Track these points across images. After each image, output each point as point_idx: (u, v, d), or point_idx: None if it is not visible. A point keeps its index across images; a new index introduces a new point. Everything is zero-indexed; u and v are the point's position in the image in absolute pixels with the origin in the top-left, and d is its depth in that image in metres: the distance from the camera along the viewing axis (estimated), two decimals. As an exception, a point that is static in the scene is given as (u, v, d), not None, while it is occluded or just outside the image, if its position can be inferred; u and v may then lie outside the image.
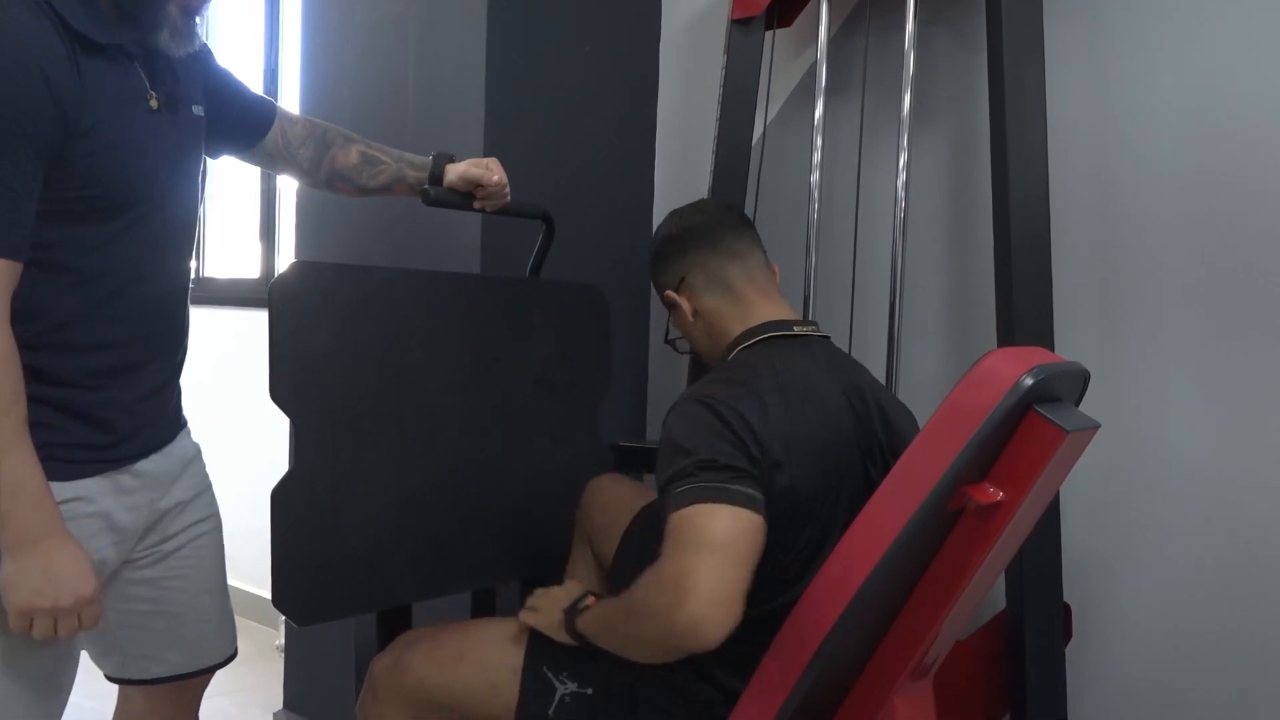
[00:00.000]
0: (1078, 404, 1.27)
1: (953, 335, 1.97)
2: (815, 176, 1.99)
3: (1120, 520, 1.81)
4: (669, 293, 1.49)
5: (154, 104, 1.27)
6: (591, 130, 2.26)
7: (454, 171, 1.63)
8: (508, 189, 1.66)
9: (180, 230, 1.36)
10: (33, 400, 1.17)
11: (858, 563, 1.12)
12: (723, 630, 1.09)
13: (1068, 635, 1.78)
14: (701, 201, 1.59)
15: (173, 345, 1.37)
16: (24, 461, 1.14)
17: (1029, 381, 1.07)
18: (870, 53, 2.05)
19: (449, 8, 2.08)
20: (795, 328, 1.39)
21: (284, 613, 1.46)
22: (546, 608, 1.39)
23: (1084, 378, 1.26)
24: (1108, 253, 1.81)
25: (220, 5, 3.70)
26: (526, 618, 1.40)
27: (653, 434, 2.41)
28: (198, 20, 1.29)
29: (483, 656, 1.41)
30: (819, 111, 1.98)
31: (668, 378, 2.39)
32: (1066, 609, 1.77)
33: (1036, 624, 1.69)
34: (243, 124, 1.51)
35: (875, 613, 1.18)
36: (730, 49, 2.02)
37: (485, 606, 1.91)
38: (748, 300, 1.43)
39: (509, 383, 1.75)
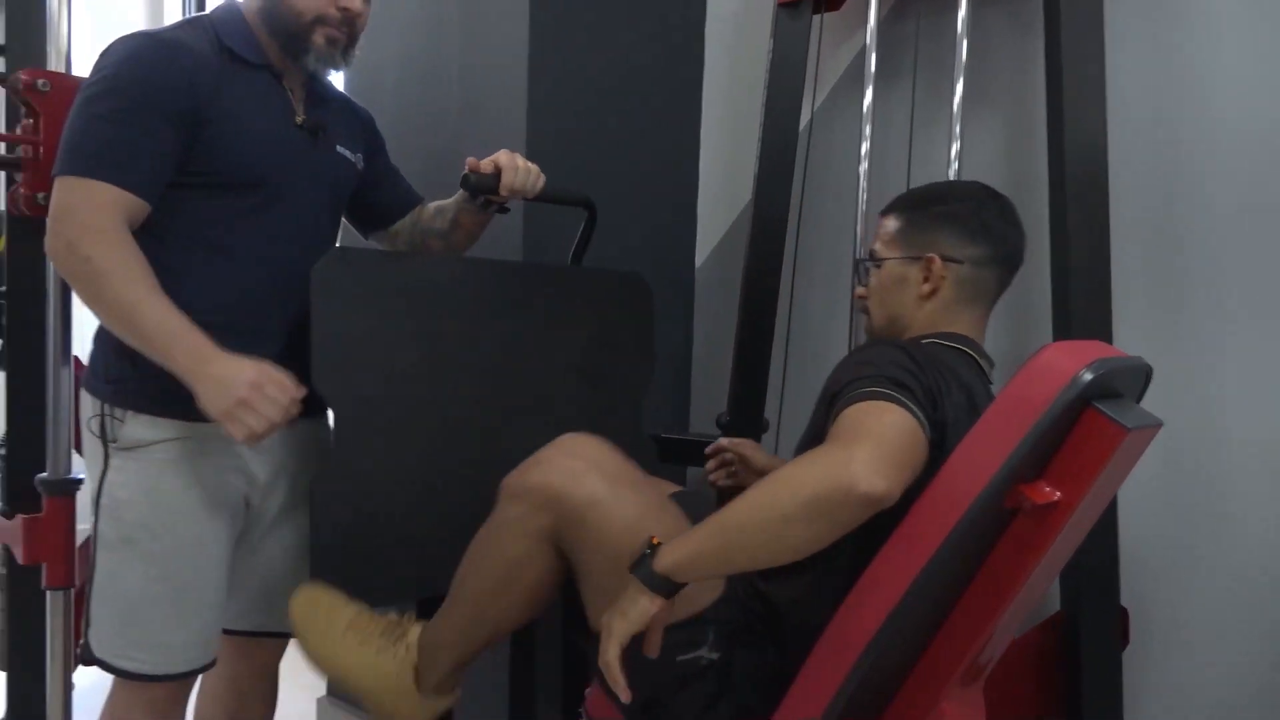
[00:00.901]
0: (1138, 401, 1.22)
1: (1006, 330, 1.92)
2: (864, 165, 1.94)
3: (1182, 521, 1.74)
4: (932, 256, 1.36)
5: (299, 120, 1.52)
6: (635, 118, 2.22)
7: (487, 161, 1.63)
8: (537, 176, 1.63)
9: (304, 233, 1.52)
10: None
11: (906, 561, 1.09)
12: (885, 485, 1.03)
13: (1125, 640, 1.73)
14: (1016, 213, 1.42)
15: (288, 328, 1.49)
16: (161, 308, 1.32)
17: (1088, 376, 1.03)
18: (921, 36, 1.99)
19: (492, -6, 2.06)
20: (984, 358, 1.36)
21: (322, 601, 1.46)
22: (617, 613, 1.18)
23: (1145, 373, 1.21)
24: (1170, 241, 1.75)
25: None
26: (612, 643, 1.17)
27: (696, 425, 2.38)
28: (342, 51, 1.51)
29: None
30: (868, 98, 1.94)
31: (711, 369, 2.36)
32: (1124, 613, 1.71)
33: (1092, 628, 1.64)
34: (396, 198, 1.76)
35: (923, 613, 1.15)
36: (776, 34, 1.98)
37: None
38: (971, 323, 1.38)
39: (550, 372, 1.73)
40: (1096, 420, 1.05)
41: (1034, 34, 1.85)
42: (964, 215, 1.37)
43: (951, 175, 1.83)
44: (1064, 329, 1.65)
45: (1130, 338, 1.74)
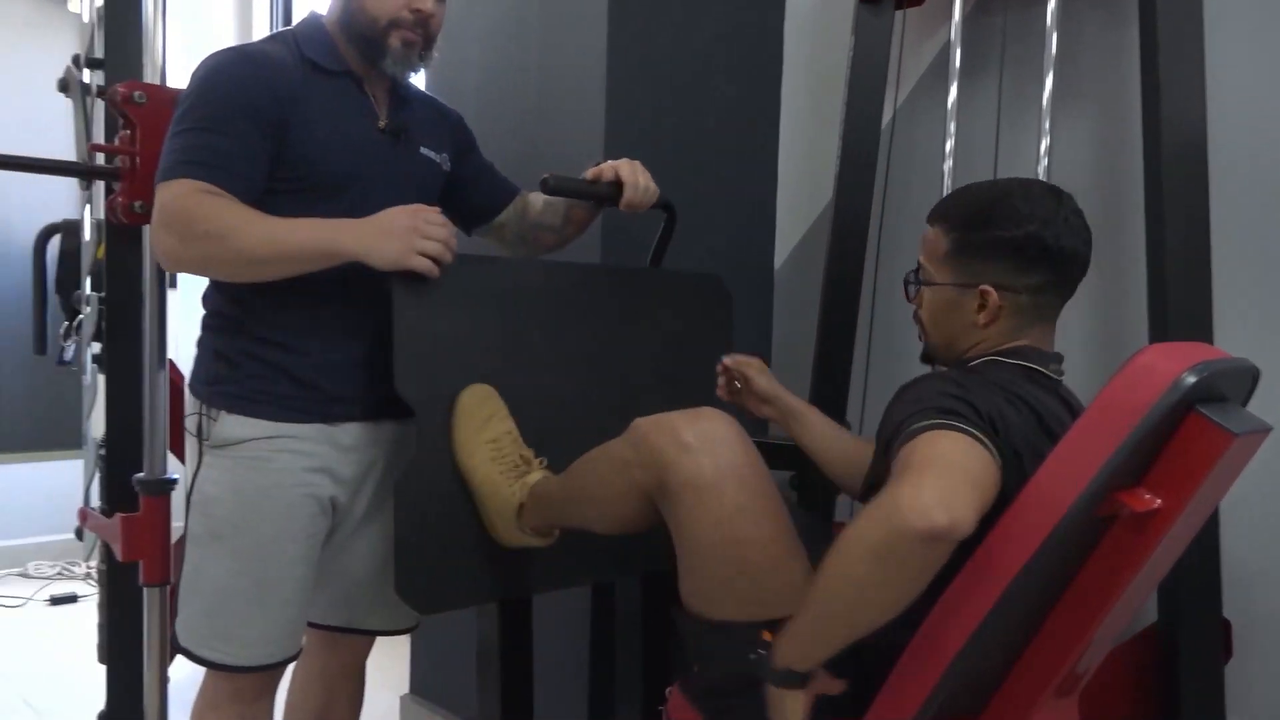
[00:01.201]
0: (1244, 404, 1.17)
1: (1098, 332, 1.86)
2: (949, 164, 1.90)
3: (1286, 530, 1.67)
4: (987, 289, 1.27)
5: (381, 124, 1.56)
6: (714, 116, 2.21)
7: (609, 167, 1.64)
8: (655, 194, 1.66)
9: None
10: (248, 357, 1.48)
11: (998, 570, 1.06)
12: (947, 516, 0.97)
13: (1228, 654, 1.66)
14: (1082, 219, 1.29)
15: (374, 329, 1.51)
16: (294, 223, 1.40)
17: (1191, 379, 0.99)
18: (1009, 30, 1.95)
19: (571, -3, 2.06)
20: (1050, 366, 1.29)
21: (406, 601, 1.47)
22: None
23: (1252, 376, 1.16)
24: (1275, 237, 1.67)
25: None
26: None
27: (776, 430, 2.35)
28: (420, 56, 1.55)
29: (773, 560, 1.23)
30: (953, 94, 1.90)
31: (791, 371, 2.33)
32: (1226, 625, 1.64)
33: (1193, 640, 1.58)
34: (492, 193, 1.79)
35: (1015, 624, 1.11)
36: (858, 30, 1.95)
37: (606, 601, 1.89)
38: (1037, 337, 1.31)
39: (629, 374, 1.72)
40: (1200, 425, 1.00)
41: (1128, 23, 1.79)
42: (1022, 242, 1.25)
43: (1041, 172, 1.77)
44: (1161, 330, 1.59)
45: (1232, 338, 1.67)
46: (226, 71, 1.45)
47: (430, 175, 1.65)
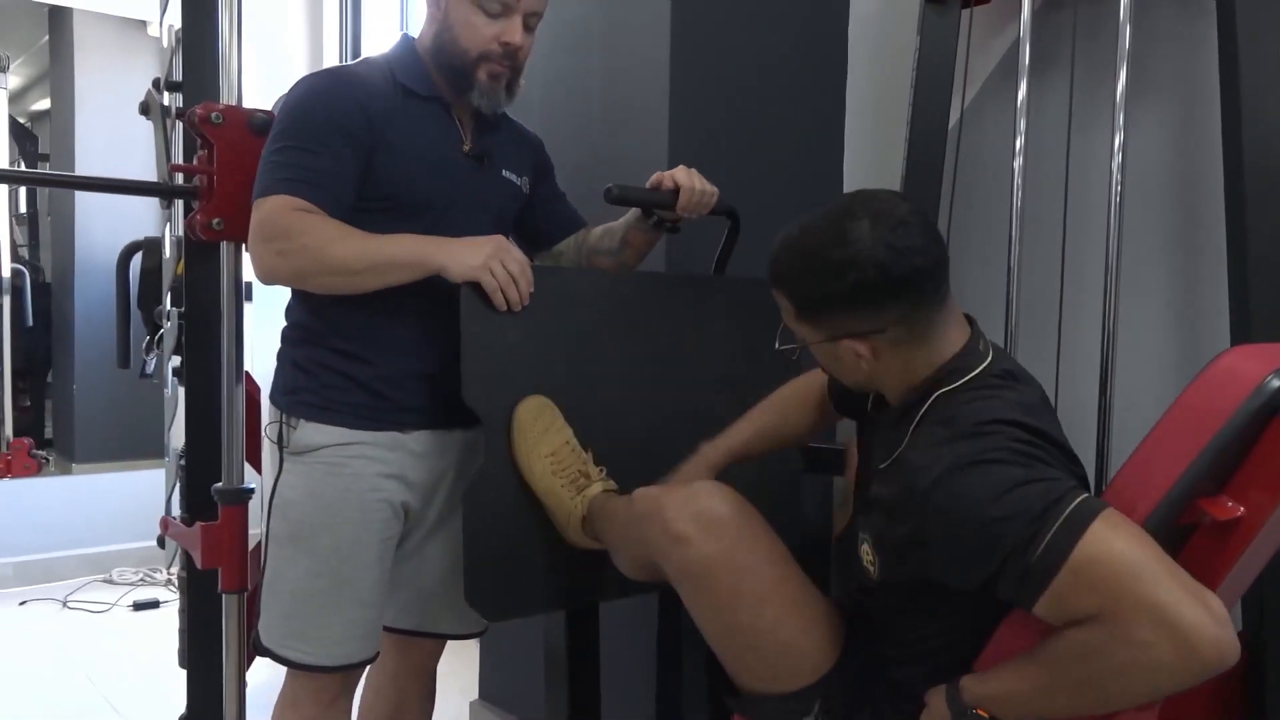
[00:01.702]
0: (1334, 408, 1.12)
1: (1177, 334, 1.81)
2: (1019, 162, 1.86)
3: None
4: (847, 343, 1.20)
5: (466, 148, 1.61)
6: (777, 121, 2.20)
7: (667, 175, 1.66)
8: (712, 194, 1.67)
9: None
10: (324, 368, 1.54)
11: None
12: (1212, 620, 0.90)
13: (1317, 665, 1.60)
14: (914, 225, 1.18)
15: (444, 349, 1.53)
16: (388, 239, 1.46)
17: (1277, 383, 0.96)
18: (1080, 25, 1.90)
19: (633, 6, 2.07)
20: (980, 362, 1.20)
21: (475, 608, 1.49)
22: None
23: (1343, 378, 1.11)
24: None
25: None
26: None
27: (843, 433, 2.33)
28: (506, 88, 1.59)
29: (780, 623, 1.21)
30: (1022, 92, 1.86)
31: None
32: (1315, 636, 1.58)
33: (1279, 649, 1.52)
34: (557, 220, 1.82)
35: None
36: (924, 29, 1.92)
37: (673, 609, 1.89)
38: (940, 337, 1.22)
39: (694, 381, 1.72)
40: (1287, 431, 0.97)
41: (1205, 16, 1.74)
42: (852, 290, 1.16)
43: (1114, 169, 1.73)
44: (1244, 332, 1.54)
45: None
46: (322, 93, 1.50)
47: (510, 197, 1.70)
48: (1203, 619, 0.89)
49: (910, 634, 1.22)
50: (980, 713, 1.06)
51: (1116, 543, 0.94)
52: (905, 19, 2.11)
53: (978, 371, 1.19)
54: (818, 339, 1.24)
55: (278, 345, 1.63)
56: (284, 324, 1.63)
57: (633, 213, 1.74)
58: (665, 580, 1.31)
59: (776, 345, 1.32)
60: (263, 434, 1.76)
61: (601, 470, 1.53)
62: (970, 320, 1.27)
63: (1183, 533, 1.04)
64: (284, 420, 1.55)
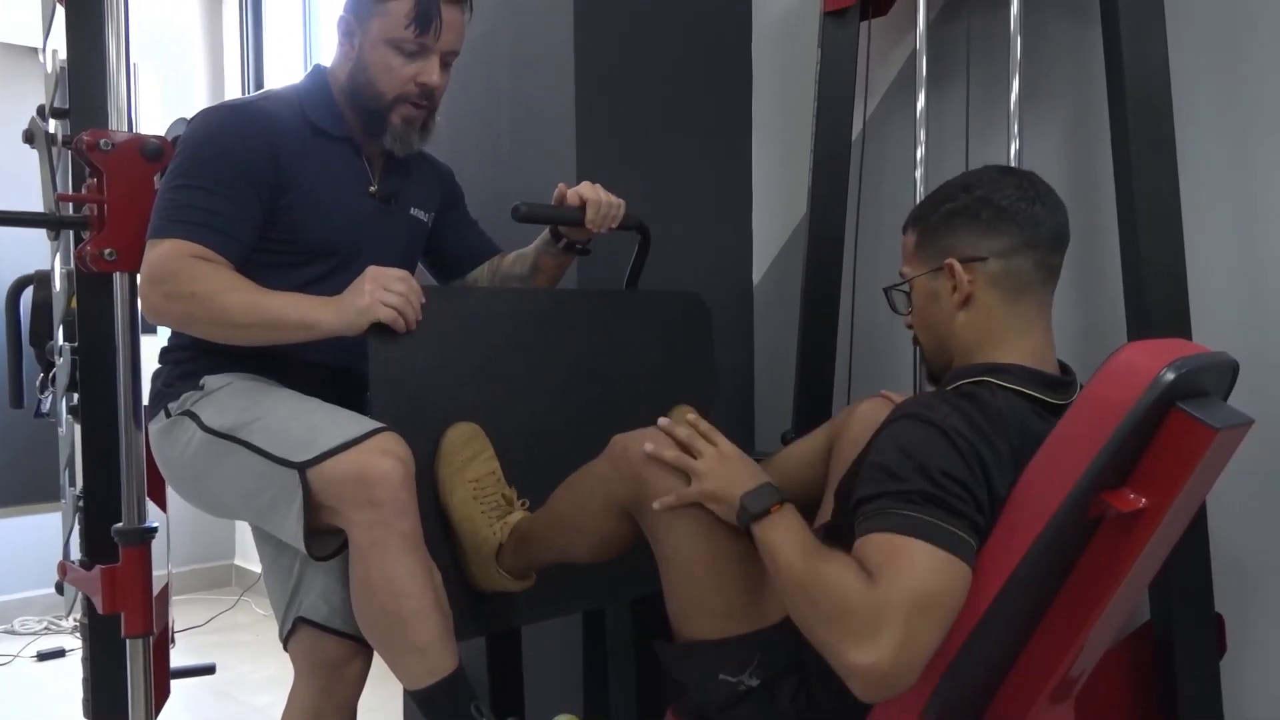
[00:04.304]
0: (1226, 398, 1.16)
1: (1077, 332, 1.86)
2: (920, 172, 1.90)
3: (1278, 521, 1.66)
4: (952, 261, 1.22)
5: (373, 189, 1.59)
6: (685, 135, 2.21)
7: (571, 191, 1.64)
8: (620, 207, 1.66)
9: None
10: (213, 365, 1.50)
11: (989, 578, 1.05)
12: (898, 689, 1.02)
13: (1222, 649, 1.65)
14: (1040, 186, 1.25)
15: (353, 399, 1.53)
16: (277, 296, 1.42)
17: (1171, 376, 0.98)
18: (973, 36, 1.95)
19: (537, 20, 2.06)
20: (1058, 393, 1.18)
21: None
22: (724, 483, 1.22)
23: (1232, 369, 1.16)
24: (1248, 234, 1.67)
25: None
26: (696, 488, 1.23)
27: (761, 443, 2.34)
28: (421, 128, 1.58)
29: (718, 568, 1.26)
30: (921, 102, 1.90)
31: (774, 385, 2.33)
32: (1219, 620, 1.63)
33: (1187, 637, 1.57)
34: (468, 248, 1.81)
35: (1007, 631, 1.10)
36: (824, 42, 1.95)
37: (596, 628, 1.87)
38: (1027, 323, 1.22)
39: (611, 397, 1.71)
40: (1183, 421, 1.00)
41: (1091, 23, 1.79)
42: (974, 207, 1.23)
43: (1012, 175, 1.77)
44: (1140, 328, 1.59)
45: (1209, 334, 1.66)
46: (229, 129, 1.47)
47: (417, 235, 1.69)
48: (885, 659, 1.00)
49: None
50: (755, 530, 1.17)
51: (916, 569, 1.02)
52: (808, 31, 2.14)
53: (1031, 395, 1.16)
54: (923, 270, 1.27)
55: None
56: (167, 344, 1.58)
57: (542, 237, 1.73)
58: (626, 542, 1.35)
59: (883, 288, 1.38)
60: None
61: (524, 504, 1.51)
62: (1064, 367, 1.26)
63: (1091, 526, 1.07)
64: (185, 393, 1.49)
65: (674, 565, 1.28)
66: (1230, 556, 1.68)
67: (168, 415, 1.52)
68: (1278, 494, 1.65)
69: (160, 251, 1.42)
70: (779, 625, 1.24)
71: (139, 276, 1.44)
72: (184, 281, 1.40)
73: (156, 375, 1.59)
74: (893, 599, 1.01)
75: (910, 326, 1.33)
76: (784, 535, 1.14)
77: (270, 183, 1.46)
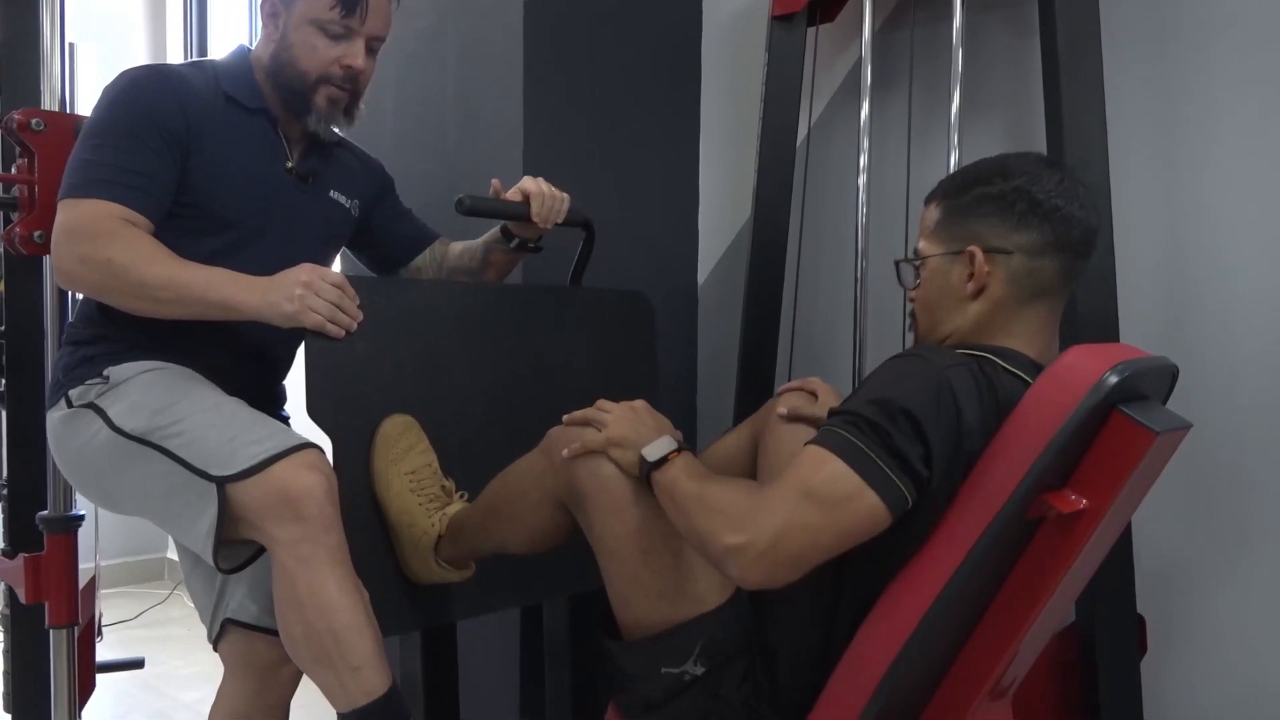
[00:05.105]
0: (1165, 402, 1.20)
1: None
2: (863, 178, 1.93)
3: (1200, 527, 1.72)
4: (973, 249, 1.18)
5: (289, 165, 1.55)
6: (632, 134, 2.21)
7: (515, 187, 1.63)
8: (563, 201, 1.65)
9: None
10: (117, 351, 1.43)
11: (931, 576, 1.07)
12: (773, 575, 1.04)
13: (1143, 649, 1.70)
14: (1080, 186, 1.21)
15: (265, 378, 1.50)
16: (197, 270, 1.35)
17: (1113, 379, 1.01)
18: (917, 46, 1.99)
19: (486, 16, 2.05)
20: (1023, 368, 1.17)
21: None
22: (630, 430, 1.24)
23: (1172, 374, 1.19)
24: (1175, 242, 1.73)
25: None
26: (604, 435, 1.24)
27: (704, 441, 2.35)
28: (345, 112, 1.55)
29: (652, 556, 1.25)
30: (865, 109, 1.93)
31: (717, 385, 2.34)
32: (1141, 621, 1.69)
33: (1109, 637, 1.62)
34: (404, 239, 1.78)
35: (948, 630, 1.12)
36: (772, 47, 1.97)
37: (534, 623, 1.87)
38: (1036, 326, 1.21)
39: (553, 393, 1.70)
40: (1123, 424, 1.02)
41: (1030, 36, 1.84)
42: (1011, 195, 1.17)
43: (953, 184, 1.81)
44: (1069, 331, 1.63)
45: (1137, 338, 1.72)
46: (141, 87, 1.43)
47: (337, 220, 1.64)
48: (761, 539, 1.03)
49: (799, 596, 1.22)
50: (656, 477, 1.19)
51: (840, 487, 1.04)
52: (757, 35, 2.16)
53: (1012, 370, 1.16)
54: (942, 250, 1.23)
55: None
56: (71, 324, 1.51)
57: (492, 233, 1.71)
58: (562, 534, 1.35)
59: (894, 261, 1.32)
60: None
61: (463, 495, 1.49)
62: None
63: (1031, 527, 1.09)
64: (90, 384, 1.41)
65: (606, 549, 1.27)
66: (1153, 559, 1.74)
67: (69, 405, 1.44)
68: (1200, 498, 1.72)
69: (79, 212, 1.36)
70: (720, 610, 1.23)
71: (53, 238, 1.37)
72: (102, 246, 1.34)
73: (58, 360, 1.51)
74: (781, 486, 1.05)
75: (912, 300, 1.30)
76: (679, 471, 1.17)
77: (180, 139, 1.42)
